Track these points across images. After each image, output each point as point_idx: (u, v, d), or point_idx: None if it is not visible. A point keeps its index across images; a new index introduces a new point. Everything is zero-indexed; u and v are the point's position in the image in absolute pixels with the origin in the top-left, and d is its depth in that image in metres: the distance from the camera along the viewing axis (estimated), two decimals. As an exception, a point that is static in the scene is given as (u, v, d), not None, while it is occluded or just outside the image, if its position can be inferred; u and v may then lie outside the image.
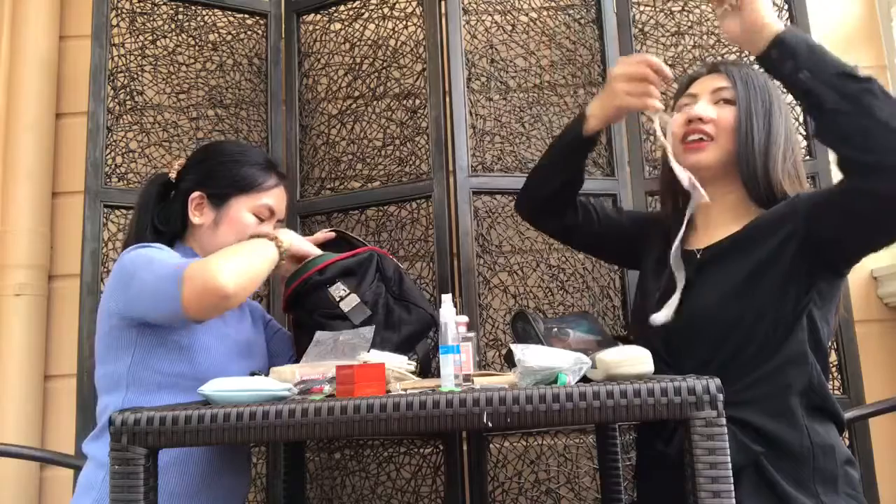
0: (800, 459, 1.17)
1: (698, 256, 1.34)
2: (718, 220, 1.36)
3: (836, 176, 1.84)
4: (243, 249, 1.34)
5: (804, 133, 1.88)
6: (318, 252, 1.50)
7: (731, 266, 1.26)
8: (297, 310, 1.50)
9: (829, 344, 1.30)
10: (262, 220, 1.47)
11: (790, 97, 1.26)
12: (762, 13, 1.17)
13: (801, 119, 1.90)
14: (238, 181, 1.45)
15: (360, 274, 1.47)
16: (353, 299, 1.43)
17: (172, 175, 1.48)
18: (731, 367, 1.19)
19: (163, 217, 1.45)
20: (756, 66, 1.33)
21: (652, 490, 1.37)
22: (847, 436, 1.70)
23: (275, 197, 1.49)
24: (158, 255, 1.30)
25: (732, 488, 0.90)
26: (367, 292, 1.44)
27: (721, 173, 1.33)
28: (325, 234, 1.60)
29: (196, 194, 1.44)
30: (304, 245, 1.49)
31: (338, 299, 1.43)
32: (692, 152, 1.33)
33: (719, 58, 1.94)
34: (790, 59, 1.14)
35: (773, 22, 1.16)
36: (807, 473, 1.16)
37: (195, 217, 1.44)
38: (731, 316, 1.23)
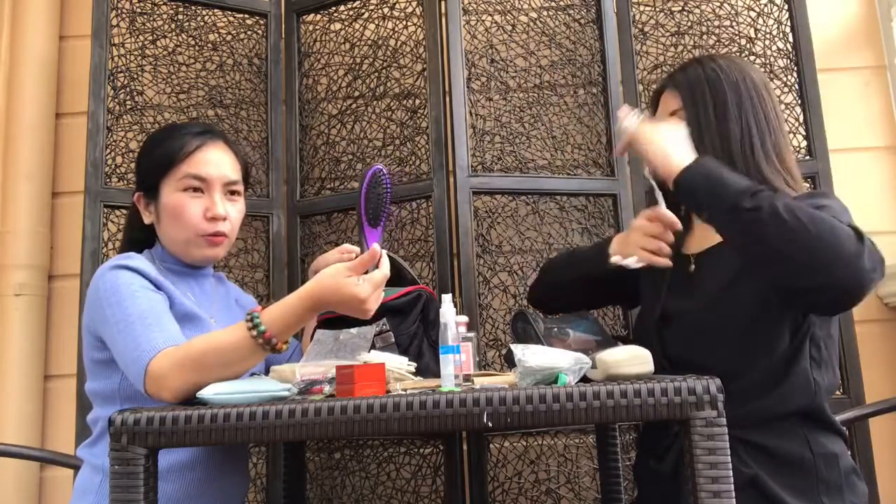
0: (802, 471, 1.15)
1: (692, 262, 1.33)
2: None
3: (837, 177, 1.86)
4: (222, 360, 1.12)
5: (804, 133, 1.88)
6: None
7: (718, 274, 1.25)
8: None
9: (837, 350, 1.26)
10: (198, 192, 1.34)
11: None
12: (655, 162, 1.23)
13: (800, 119, 1.90)
14: (157, 163, 1.34)
15: (404, 313, 1.43)
16: (389, 338, 1.40)
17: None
18: (734, 393, 1.11)
19: (136, 226, 1.42)
20: (721, 61, 1.33)
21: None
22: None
23: (197, 162, 1.33)
24: (128, 294, 1.21)
25: (732, 488, 0.90)
26: (403, 334, 1.41)
27: None
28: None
29: (136, 196, 1.40)
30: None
31: (376, 332, 1.39)
32: None
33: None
34: (690, 198, 1.19)
35: (674, 164, 1.20)
36: (811, 484, 1.15)
37: (146, 218, 1.39)
38: (721, 322, 1.22)
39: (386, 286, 1.26)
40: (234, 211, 1.40)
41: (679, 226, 1.30)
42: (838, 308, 1.15)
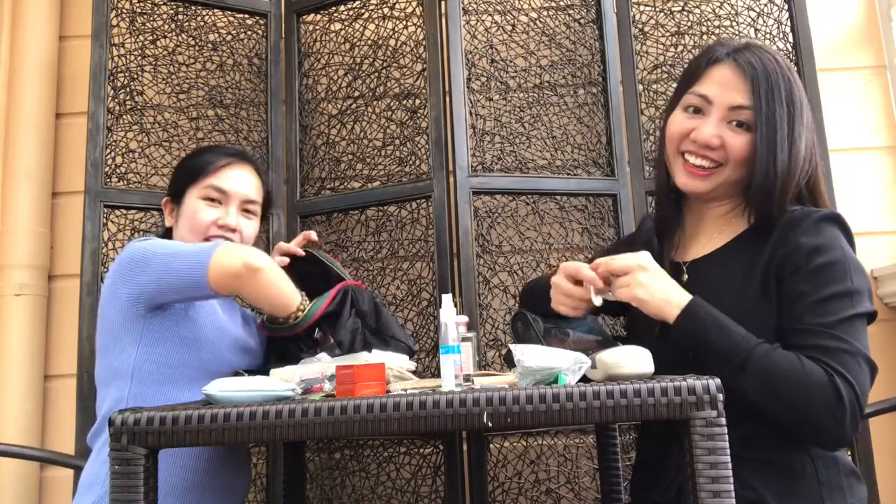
0: (804, 478, 1.14)
1: (685, 270, 1.30)
2: (708, 230, 1.33)
3: (837, 177, 1.85)
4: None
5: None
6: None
7: (709, 285, 1.22)
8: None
9: None
10: (216, 203, 1.45)
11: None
12: (650, 307, 1.17)
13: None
14: (189, 173, 1.49)
15: (336, 314, 1.45)
16: (328, 340, 1.44)
17: None
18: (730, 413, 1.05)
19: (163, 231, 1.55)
20: (780, 59, 1.21)
21: None
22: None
23: (223, 177, 1.46)
24: (169, 242, 1.36)
25: (732, 489, 0.89)
26: (343, 332, 1.43)
27: (719, 193, 1.28)
28: (295, 249, 1.57)
29: (164, 200, 1.52)
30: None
31: (315, 339, 1.45)
32: (690, 178, 1.26)
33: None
34: (679, 346, 1.17)
35: (668, 310, 1.16)
36: (813, 489, 1.14)
37: (168, 221, 1.51)
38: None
39: (313, 292, 1.42)
40: (248, 226, 1.50)
41: (599, 283, 1.23)
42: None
